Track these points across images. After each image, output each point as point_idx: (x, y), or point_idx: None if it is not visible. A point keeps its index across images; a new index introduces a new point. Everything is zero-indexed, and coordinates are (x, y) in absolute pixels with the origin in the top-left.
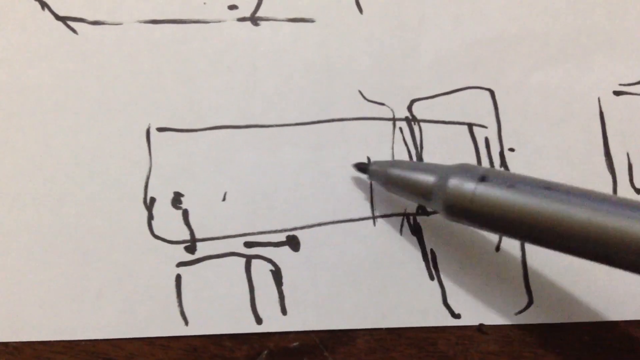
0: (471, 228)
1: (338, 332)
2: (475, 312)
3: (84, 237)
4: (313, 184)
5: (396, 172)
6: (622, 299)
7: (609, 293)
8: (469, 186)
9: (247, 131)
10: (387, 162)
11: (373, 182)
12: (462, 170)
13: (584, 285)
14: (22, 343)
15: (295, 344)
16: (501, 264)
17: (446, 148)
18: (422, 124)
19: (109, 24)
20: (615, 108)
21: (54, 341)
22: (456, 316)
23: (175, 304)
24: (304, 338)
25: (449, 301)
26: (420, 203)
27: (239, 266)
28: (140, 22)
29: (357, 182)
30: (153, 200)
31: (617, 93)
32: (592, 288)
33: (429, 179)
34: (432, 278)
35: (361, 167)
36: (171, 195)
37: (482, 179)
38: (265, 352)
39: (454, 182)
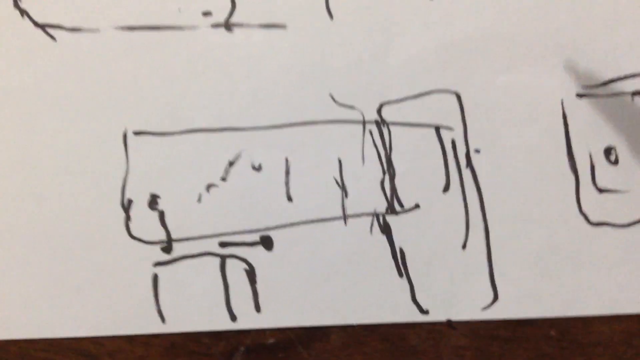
0: (439, 225)
1: (313, 328)
2: (443, 307)
3: (64, 237)
4: (285, 185)
5: None
6: (587, 293)
7: (575, 288)
8: None
9: (222, 134)
10: None
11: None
12: None
13: (550, 281)
14: (6, 341)
15: (271, 340)
16: (468, 260)
17: (414, 150)
18: (391, 126)
19: (86, 30)
20: (578, 110)
21: (38, 339)
22: (424, 312)
23: (153, 302)
24: (280, 335)
25: (418, 297)
26: None
27: (214, 265)
28: (117, 28)
29: (328, 183)
30: (130, 201)
31: (579, 95)
32: (558, 283)
33: None
34: (401, 275)
35: None
36: (148, 197)
37: None
38: (242, 348)
39: None
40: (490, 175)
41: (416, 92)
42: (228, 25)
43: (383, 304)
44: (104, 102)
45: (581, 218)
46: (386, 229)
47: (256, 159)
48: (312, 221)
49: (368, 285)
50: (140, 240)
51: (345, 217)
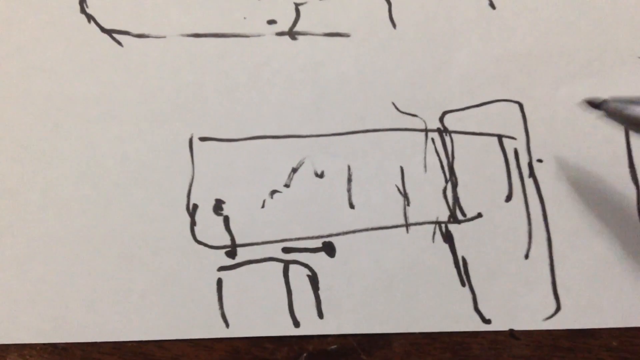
0: (502, 234)
1: (375, 335)
2: (505, 317)
3: (130, 242)
4: (347, 192)
5: (638, 109)
6: None
7: (636, 299)
8: None
9: (285, 141)
10: (624, 98)
11: (609, 118)
12: None
13: (612, 291)
14: (71, 344)
15: (333, 347)
16: (530, 270)
17: (476, 158)
18: (453, 135)
19: (153, 37)
20: None
21: (102, 342)
22: (487, 321)
23: (217, 307)
24: (342, 341)
25: (480, 307)
26: None
27: (277, 271)
28: (183, 35)
29: (390, 190)
30: (195, 207)
31: None
32: (620, 294)
33: None
34: (463, 284)
35: (594, 104)
36: (213, 202)
37: None
38: (305, 354)
39: None
40: (553, 185)
41: (478, 101)
42: (292, 34)
43: (445, 313)
44: (170, 108)
45: None
46: (448, 238)
47: (319, 166)
48: (374, 229)
49: (430, 293)
50: (205, 244)
51: (407, 225)
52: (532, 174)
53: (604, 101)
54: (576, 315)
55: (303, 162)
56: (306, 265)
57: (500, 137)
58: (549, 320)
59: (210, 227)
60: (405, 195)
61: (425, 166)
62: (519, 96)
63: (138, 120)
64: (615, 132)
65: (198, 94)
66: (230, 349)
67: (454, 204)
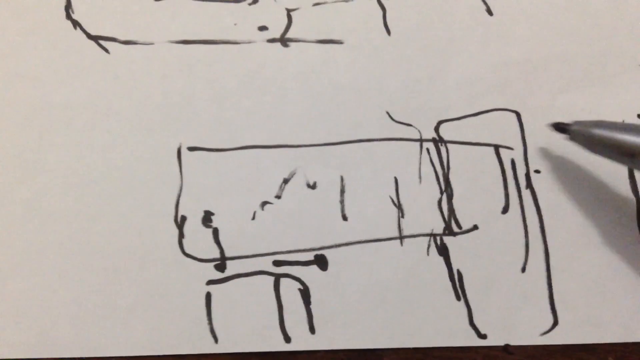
0: (498, 247)
1: (366, 350)
2: (501, 332)
3: (116, 254)
4: (340, 204)
5: (600, 132)
6: None
7: (634, 313)
8: None
9: (277, 151)
10: (590, 122)
11: (573, 142)
12: None
13: (611, 306)
14: (56, 359)
15: None
16: (527, 284)
17: (473, 169)
18: (449, 144)
19: (140, 43)
20: None
21: (87, 357)
22: (482, 336)
23: (206, 321)
24: (332, 357)
25: (475, 321)
26: (625, 163)
27: (267, 284)
28: (172, 42)
29: (384, 202)
30: (184, 218)
31: None
32: (619, 308)
33: (636, 139)
34: (458, 298)
35: (560, 128)
36: (202, 214)
37: None
38: None
39: None
40: (551, 196)
41: (475, 110)
42: (284, 41)
43: (439, 328)
44: (157, 116)
45: None
46: (443, 251)
47: (311, 176)
48: (368, 241)
49: (424, 307)
50: (193, 257)
51: (401, 238)
52: (529, 185)
53: (568, 125)
54: (574, 330)
55: (295, 173)
56: (298, 279)
57: (497, 147)
58: (546, 335)
59: (199, 240)
60: (399, 207)
61: (420, 177)
62: (516, 105)
63: (125, 129)
64: None
65: (187, 103)
66: None
67: (449, 215)
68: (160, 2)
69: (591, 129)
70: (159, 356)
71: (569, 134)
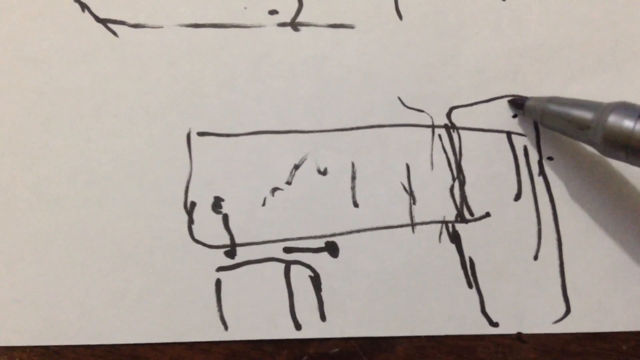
0: (510, 234)
1: (378, 339)
2: (513, 320)
3: (125, 241)
4: (351, 190)
5: (554, 107)
6: None
7: None
8: (629, 123)
9: (287, 136)
10: (544, 97)
11: (528, 117)
12: (622, 107)
13: (623, 294)
14: (63, 347)
15: (335, 350)
16: (539, 272)
17: (485, 156)
18: (461, 131)
19: (149, 27)
20: None
21: (95, 345)
22: (494, 324)
23: (215, 308)
24: (344, 345)
25: (487, 309)
26: (575, 137)
27: (278, 271)
28: (181, 25)
29: (396, 188)
30: (193, 204)
31: None
32: (631, 296)
33: (587, 114)
34: (470, 286)
35: (517, 103)
36: (211, 200)
37: None
38: (305, 358)
39: (613, 118)
40: (563, 184)
41: (487, 96)
42: (295, 25)
43: (451, 315)
44: (166, 101)
45: None
46: (455, 238)
47: (322, 162)
48: (379, 228)
49: (436, 295)
50: (203, 244)
51: (413, 225)
52: (542, 172)
53: (524, 99)
54: (586, 319)
55: (305, 159)
56: (308, 266)
57: (509, 134)
58: (558, 324)
59: (209, 226)
60: (411, 194)
61: (432, 163)
62: (529, 91)
63: (134, 114)
64: None
65: (196, 87)
66: (228, 352)
67: (461, 202)
68: None
69: (546, 104)
70: (167, 343)
71: (524, 110)
